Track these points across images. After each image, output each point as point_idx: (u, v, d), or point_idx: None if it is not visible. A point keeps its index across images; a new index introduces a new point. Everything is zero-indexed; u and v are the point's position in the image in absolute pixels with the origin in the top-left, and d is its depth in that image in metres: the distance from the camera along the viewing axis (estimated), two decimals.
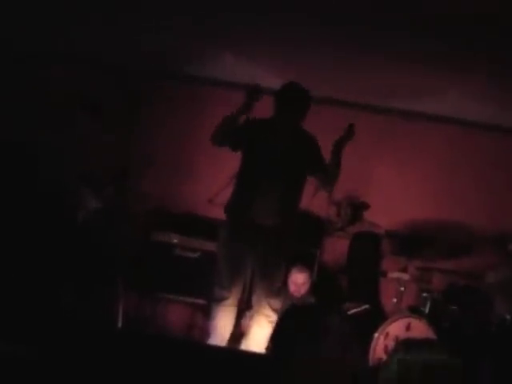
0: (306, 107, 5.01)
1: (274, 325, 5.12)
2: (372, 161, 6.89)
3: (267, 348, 5.15)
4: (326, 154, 5.21)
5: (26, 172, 6.24)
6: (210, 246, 5.89)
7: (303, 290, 5.81)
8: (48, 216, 5.75)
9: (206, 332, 5.19)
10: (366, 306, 5.68)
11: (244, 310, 5.39)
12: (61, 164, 6.28)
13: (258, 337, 5.11)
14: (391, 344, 5.38)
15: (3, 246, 5.62)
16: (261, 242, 4.97)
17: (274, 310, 5.10)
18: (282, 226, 4.98)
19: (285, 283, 5.83)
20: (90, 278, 5.60)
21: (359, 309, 5.65)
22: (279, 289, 5.15)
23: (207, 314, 5.28)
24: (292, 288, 5.80)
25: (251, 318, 5.15)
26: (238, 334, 5.28)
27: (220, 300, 5.06)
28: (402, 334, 5.49)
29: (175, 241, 6.28)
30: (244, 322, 5.41)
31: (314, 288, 5.98)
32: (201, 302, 6.04)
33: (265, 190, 4.92)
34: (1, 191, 6.02)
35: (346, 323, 5.31)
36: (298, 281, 5.81)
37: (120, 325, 5.70)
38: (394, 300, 5.96)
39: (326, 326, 5.11)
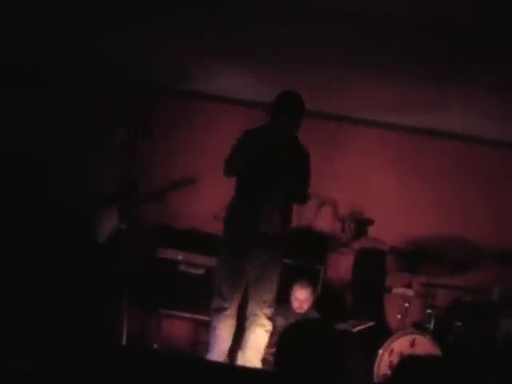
0: (303, 115, 5.03)
1: (269, 334, 5.13)
2: (376, 177, 6.91)
3: (263, 360, 5.15)
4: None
5: (36, 185, 6.30)
6: (215, 263, 5.90)
7: (306, 306, 5.80)
8: (62, 232, 5.78)
9: (208, 343, 5.20)
10: (371, 323, 5.66)
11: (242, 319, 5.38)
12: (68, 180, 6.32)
13: (256, 347, 5.12)
14: (396, 360, 5.37)
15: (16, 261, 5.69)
16: (258, 251, 4.99)
17: (269, 319, 5.11)
18: (279, 234, 5.01)
19: (288, 300, 5.84)
20: (96, 294, 5.60)
21: (364, 326, 5.64)
22: (273, 298, 5.14)
23: (209, 324, 5.28)
24: (295, 304, 5.80)
25: (247, 328, 5.16)
26: (238, 344, 5.28)
27: (219, 311, 5.08)
28: (407, 351, 5.48)
29: (180, 257, 6.29)
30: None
31: (319, 304, 5.98)
32: (205, 318, 6.02)
33: (263, 198, 4.95)
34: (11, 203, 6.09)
35: (349, 340, 5.30)
36: (300, 297, 5.81)
37: (124, 341, 5.70)
38: (399, 316, 5.95)
39: (329, 343, 5.08)
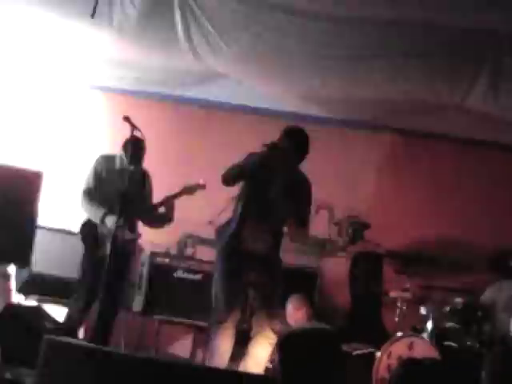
0: (307, 153, 5.09)
1: (273, 346, 5.14)
2: (372, 180, 6.92)
3: (266, 369, 5.15)
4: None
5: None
6: (212, 268, 5.90)
7: (301, 322, 5.86)
8: None
9: (208, 353, 5.20)
10: (372, 350, 5.68)
11: (244, 330, 5.39)
12: None
13: (259, 357, 5.12)
14: (394, 363, 5.38)
15: None
16: (254, 268, 5.02)
17: (275, 332, 5.12)
18: (271, 254, 5.06)
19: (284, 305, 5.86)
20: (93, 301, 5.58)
21: (365, 351, 5.66)
22: (279, 310, 5.16)
23: (208, 335, 5.29)
24: (289, 321, 5.90)
25: (252, 338, 5.16)
26: (239, 354, 5.28)
27: (218, 323, 5.08)
28: (405, 353, 5.48)
29: (176, 263, 6.29)
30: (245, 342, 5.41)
31: (315, 309, 5.99)
32: (203, 324, 6.03)
33: (257, 220, 5.00)
34: None
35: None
36: (294, 317, 5.91)
37: (122, 348, 5.70)
38: (396, 319, 5.96)
39: (327, 350, 5.12)
